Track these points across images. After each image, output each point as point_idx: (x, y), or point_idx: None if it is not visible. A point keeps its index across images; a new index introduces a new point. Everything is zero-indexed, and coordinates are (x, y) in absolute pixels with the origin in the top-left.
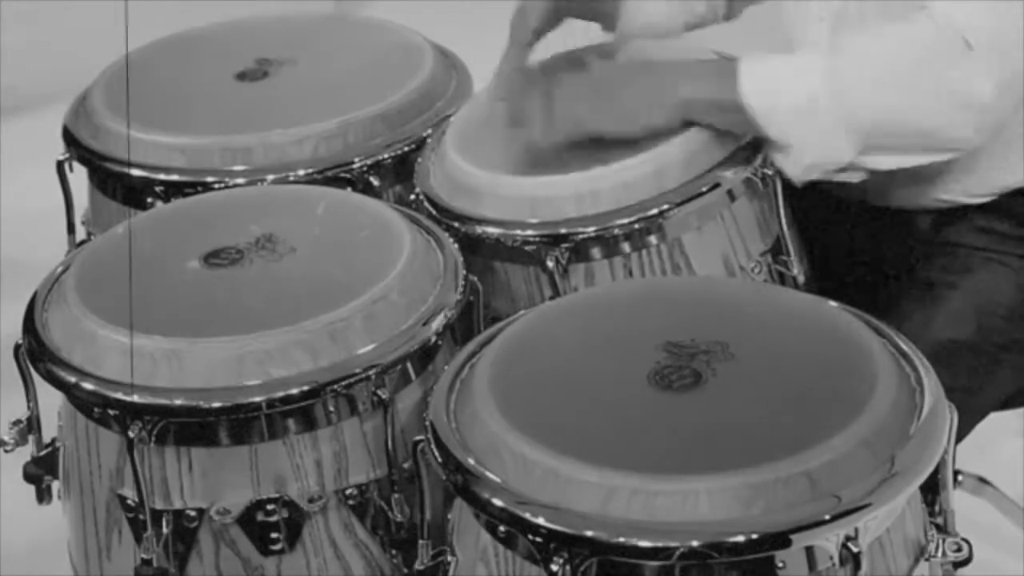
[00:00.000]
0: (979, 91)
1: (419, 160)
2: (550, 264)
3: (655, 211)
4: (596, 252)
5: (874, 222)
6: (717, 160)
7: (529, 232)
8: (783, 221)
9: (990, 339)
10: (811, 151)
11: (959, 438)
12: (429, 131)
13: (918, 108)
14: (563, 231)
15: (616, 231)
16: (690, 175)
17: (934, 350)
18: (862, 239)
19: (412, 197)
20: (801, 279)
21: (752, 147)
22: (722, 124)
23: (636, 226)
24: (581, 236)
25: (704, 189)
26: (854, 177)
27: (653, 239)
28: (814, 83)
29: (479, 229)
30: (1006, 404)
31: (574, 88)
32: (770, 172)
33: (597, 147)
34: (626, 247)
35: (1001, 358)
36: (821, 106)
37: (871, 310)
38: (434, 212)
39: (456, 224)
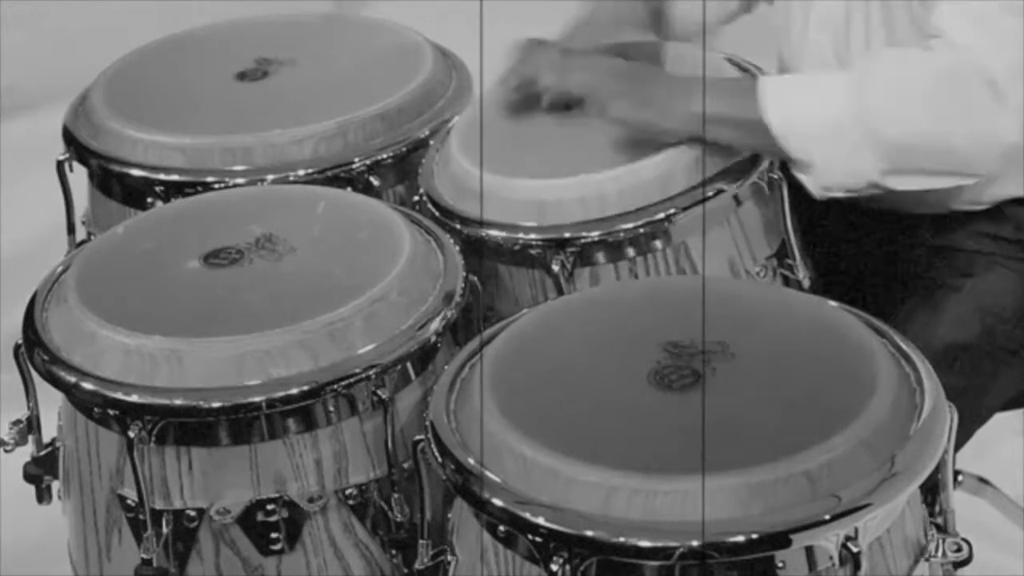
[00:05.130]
0: (1005, 126)
1: (423, 162)
2: (555, 268)
3: (661, 215)
4: (601, 256)
5: (877, 226)
6: (723, 165)
7: (533, 236)
8: (789, 226)
9: (995, 342)
10: (835, 170)
11: (963, 440)
12: (428, 131)
13: (942, 131)
14: (568, 235)
15: (622, 235)
16: (697, 180)
17: (938, 353)
18: (866, 243)
19: (416, 199)
20: (806, 283)
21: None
22: (739, 142)
23: (642, 231)
24: (586, 240)
25: (710, 194)
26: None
27: (659, 243)
28: (838, 103)
29: (483, 232)
30: (1010, 405)
31: (604, 65)
32: (776, 177)
33: (603, 151)
34: (632, 251)
35: (1008, 360)
36: (845, 126)
37: (876, 314)
38: (438, 214)
39: (460, 227)
